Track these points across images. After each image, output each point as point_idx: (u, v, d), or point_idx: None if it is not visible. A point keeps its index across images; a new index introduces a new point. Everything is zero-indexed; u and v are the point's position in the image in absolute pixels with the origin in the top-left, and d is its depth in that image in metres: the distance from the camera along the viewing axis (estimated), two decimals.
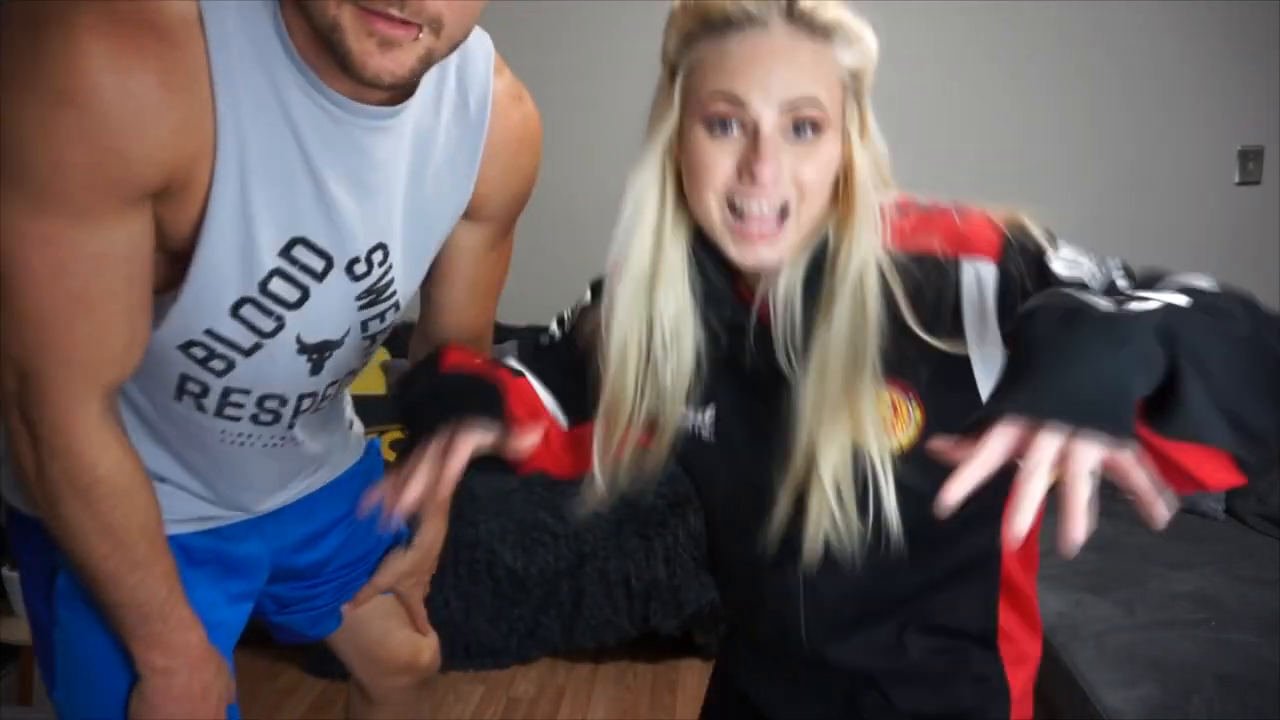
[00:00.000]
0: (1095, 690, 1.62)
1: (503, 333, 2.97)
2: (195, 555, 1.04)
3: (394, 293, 0.96)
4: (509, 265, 1.14)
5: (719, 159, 0.75)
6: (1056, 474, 0.55)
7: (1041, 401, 0.56)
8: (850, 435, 0.77)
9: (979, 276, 0.76)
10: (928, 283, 0.77)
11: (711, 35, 0.75)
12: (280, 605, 1.24)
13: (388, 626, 1.32)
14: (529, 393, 0.95)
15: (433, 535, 1.30)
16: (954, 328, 0.76)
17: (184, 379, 0.92)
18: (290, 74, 0.76)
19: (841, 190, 0.78)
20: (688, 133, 0.77)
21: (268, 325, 0.88)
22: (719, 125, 0.75)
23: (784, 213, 0.75)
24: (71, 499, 0.84)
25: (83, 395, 0.81)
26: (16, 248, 0.73)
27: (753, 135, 0.74)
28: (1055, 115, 2.99)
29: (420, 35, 0.70)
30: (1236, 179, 2.97)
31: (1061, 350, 0.58)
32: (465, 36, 0.77)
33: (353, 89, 0.77)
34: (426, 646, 1.37)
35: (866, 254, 0.77)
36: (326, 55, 0.72)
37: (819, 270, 0.79)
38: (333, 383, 1.02)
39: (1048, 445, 0.55)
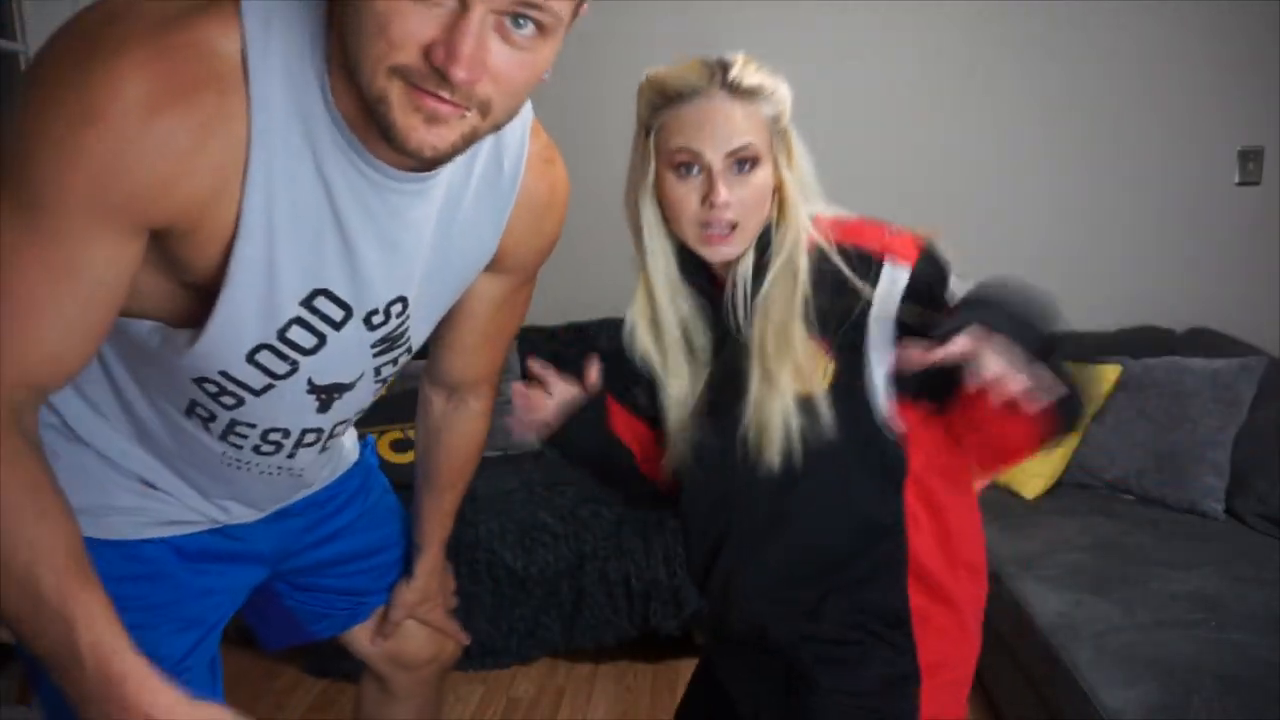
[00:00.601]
0: (1095, 690, 1.62)
1: None
2: (190, 553, 1.04)
3: (408, 339, 0.98)
4: (525, 313, 1.18)
5: (687, 195, 1.03)
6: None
7: (997, 320, 0.89)
8: (791, 364, 1.03)
9: (895, 276, 1.03)
10: (855, 265, 1.04)
11: (671, 104, 1.02)
12: (295, 587, 1.24)
13: (410, 626, 1.33)
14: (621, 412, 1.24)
15: (431, 563, 1.31)
16: (864, 308, 1.03)
17: (193, 404, 0.92)
18: (330, 134, 0.76)
19: (777, 202, 1.07)
20: (662, 178, 1.05)
21: (281, 369, 0.88)
22: (684, 170, 1.03)
23: (734, 225, 1.03)
24: None
25: None
26: None
27: (708, 174, 1.02)
28: (1056, 115, 2.99)
29: (467, 114, 0.72)
30: (1236, 179, 2.97)
31: (996, 295, 0.95)
32: (510, 119, 0.78)
33: (391, 155, 0.77)
34: (449, 639, 1.38)
35: (797, 239, 1.05)
36: (370, 123, 0.73)
37: (763, 255, 1.06)
38: (341, 421, 1.03)
39: (998, 344, 0.86)
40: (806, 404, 1.04)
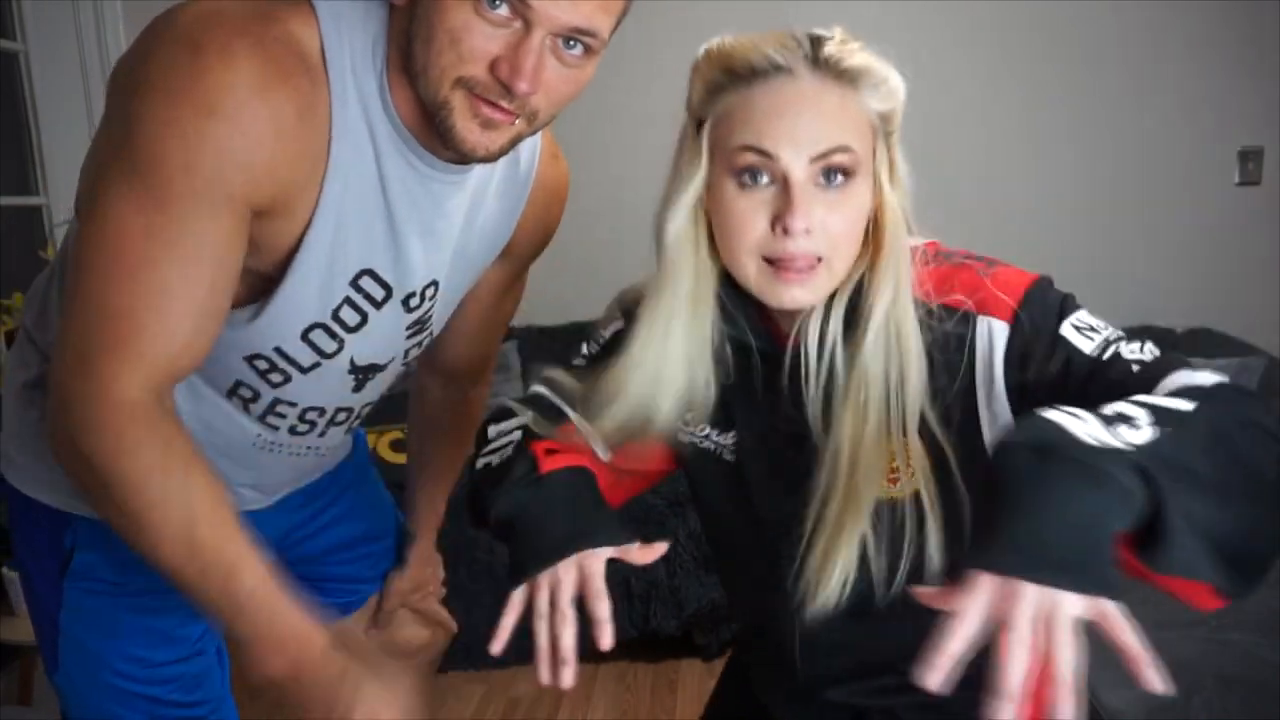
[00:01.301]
0: (1095, 690, 1.62)
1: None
2: None
3: (433, 322, 1.03)
4: (520, 301, 1.23)
5: (752, 215, 0.75)
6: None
7: (1015, 558, 0.55)
8: (876, 484, 0.76)
9: (991, 334, 0.76)
10: (948, 336, 0.76)
11: (737, 86, 0.75)
12: (292, 577, 1.26)
13: (402, 615, 1.35)
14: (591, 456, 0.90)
15: (423, 550, 1.33)
16: (967, 384, 0.77)
17: (238, 384, 0.95)
18: (387, 130, 0.84)
19: (873, 233, 0.78)
20: (718, 186, 0.77)
21: (330, 347, 0.93)
22: (749, 177, 0.75)
23: (818, 259, 0.76)
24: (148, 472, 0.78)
25: (137, 384, 0.78)
26: (113, 237, 0.75)
27: (783, 186, 0.74)
28: (1055, 116, 2.99)
29: (516, 122, 0.80)
30: (1236, 179, 2.97)
31: (1035, 491, 0.57)
32: (548, 124, 0.87)
33: (436, 148, 0.85)
34: (440, 628, 1.41)
35: (902, 303, 0.76)
36: (426, 124, 0.82)
37: (854, 312, 0.78)
38: (368, 403, 1.07)
39: (1025, 608, 0.54)
40: (883, 509, 0.78)
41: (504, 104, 0.78)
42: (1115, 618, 0.54)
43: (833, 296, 0.78)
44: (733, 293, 0.82)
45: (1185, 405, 0.63)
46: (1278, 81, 2.89)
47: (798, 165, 0.73)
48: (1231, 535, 0.59)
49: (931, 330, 0.77)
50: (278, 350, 0.91)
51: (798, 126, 0.73)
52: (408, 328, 0.99)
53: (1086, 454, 0.57)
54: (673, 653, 2.52)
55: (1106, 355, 0.72)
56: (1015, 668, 0.53)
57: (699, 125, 0.79)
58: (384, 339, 0.97)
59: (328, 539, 1.26)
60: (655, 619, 2.42)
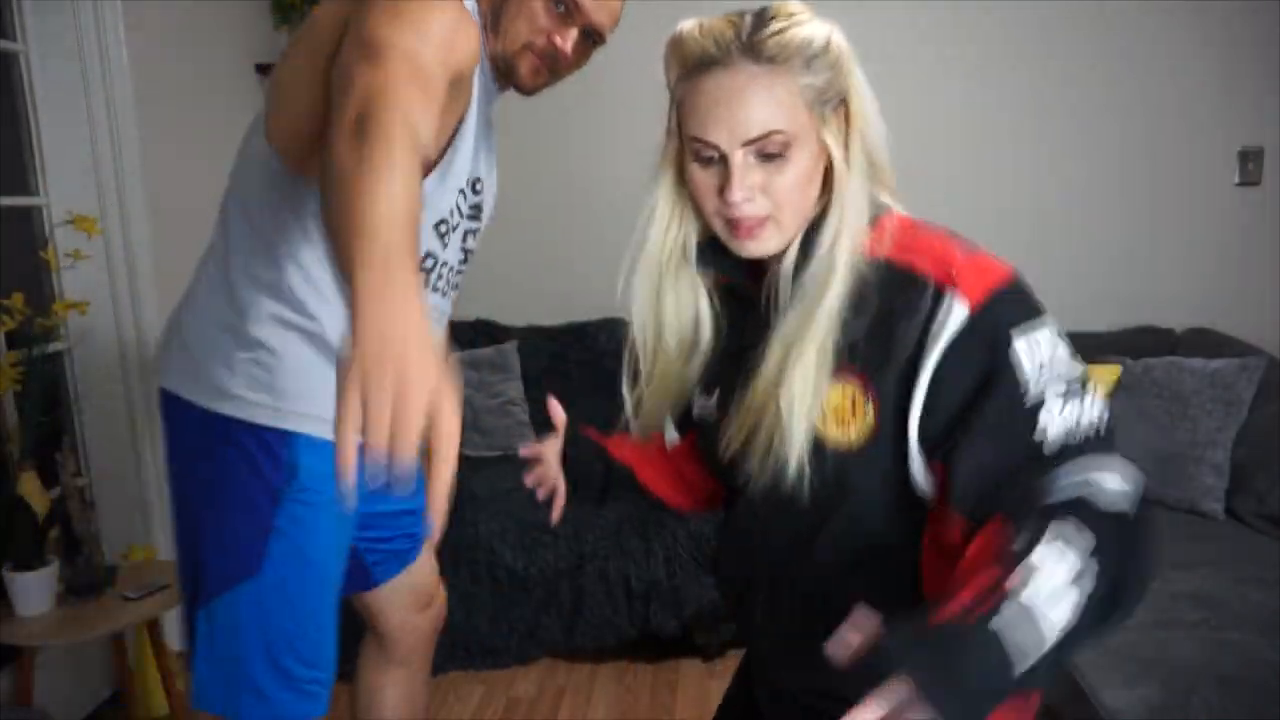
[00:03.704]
0: (1095, 690, 1.62)
1: (502, 332, 2.96)
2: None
3: (482, 218, 1.32)
4: None
5: (708, 184, 0.87)
6: None
7: (928, 677, 0.63)
8: (790, 394, 0.84)
9: (951, 313, 0.80)
10: (895, 295, 0.83)
11: (691, 74, 0.85)
12: (363, 525, 1.39)
13: (421, 557, 1.49)
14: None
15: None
16: (916, 351, 0.81)
17: (426, 256, 1.22)
18: (481, 67, 1.20)
19: (826, 186, 0.88)
20: (686, 158, 0.88)
21: (465, 208, 1.25)
22: (703, 158, 0.86)
23: (765, 218, 0.86)
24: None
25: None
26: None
27: (725, 164, 0.85)
28: (1056, 116, 2.99)
29: (551, 76, 1.24)
30: (1236, 179, 2.97)
31: (965, 651, 0.65)
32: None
33: (497, 81, 1.25)
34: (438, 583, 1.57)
35: (839, 234, 0.85)
36: (498, 63, 1.22)
37: (807, 248, 0.87)
38: (453, 286, 1.34)
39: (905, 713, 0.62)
40: (828, 452, 0.85)
41: (549, 64, 1.21)
42: None
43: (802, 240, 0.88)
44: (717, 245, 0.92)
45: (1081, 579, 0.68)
46: (1278, 81, 2.89)
47: (734, 150, 0.83)
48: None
49: (886, 278, 0.84)
50: (453, 210, 1.22)
51: (733, 117, 0.82)
52: (470, 207, 1.29)
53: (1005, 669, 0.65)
54: (673, 653, 2.52)
55: (1034, 402, 0.78)
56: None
57: (673, 100, 0.89)
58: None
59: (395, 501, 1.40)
60: (655, 619, 2.43)
